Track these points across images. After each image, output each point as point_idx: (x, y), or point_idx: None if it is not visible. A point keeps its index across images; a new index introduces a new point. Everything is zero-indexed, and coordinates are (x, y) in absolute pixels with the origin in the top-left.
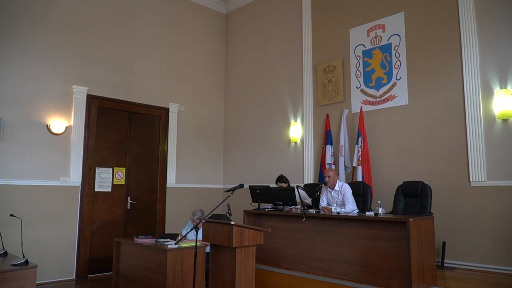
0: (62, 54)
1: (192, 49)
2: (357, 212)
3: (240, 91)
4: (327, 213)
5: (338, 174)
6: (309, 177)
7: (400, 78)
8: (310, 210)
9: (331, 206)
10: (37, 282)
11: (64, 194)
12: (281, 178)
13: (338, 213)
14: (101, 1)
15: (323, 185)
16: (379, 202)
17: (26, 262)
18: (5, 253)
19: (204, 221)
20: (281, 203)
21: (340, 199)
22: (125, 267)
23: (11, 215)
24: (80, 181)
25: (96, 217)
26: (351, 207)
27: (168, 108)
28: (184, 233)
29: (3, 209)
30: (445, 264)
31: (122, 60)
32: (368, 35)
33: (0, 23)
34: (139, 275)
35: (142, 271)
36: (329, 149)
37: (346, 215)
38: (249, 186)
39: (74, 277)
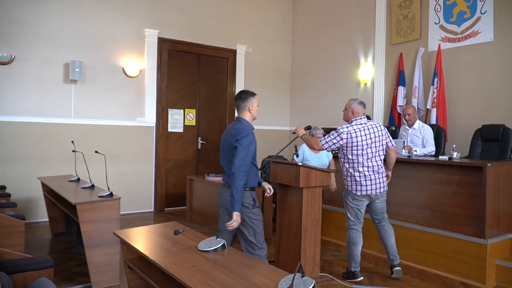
0: None
1: None
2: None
3: (307, 31)
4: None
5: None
6: (379, 120)
7: (486, 11)
8: None
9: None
10: (120, 213)
11: (141, 134)
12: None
13: (409, 156)
14: None
15: (393, 128)
16: (454, 146)
17: (111, 194)
18: (92, 186)
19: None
20: None
21: (419, 139)
22: (198, 202)
23: (96, 151)
24: (155, 121)
25: (170, 155)
26: (433, 148)
27: (236, 50)
28: (296, 158)
29: (88, 146)
30: None
31: (191, 2)
32: None
33: None
34: (211, 211)
35: (214, 207)
36: (401, 90)
37: (417, 159)
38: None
39: (153, 210)
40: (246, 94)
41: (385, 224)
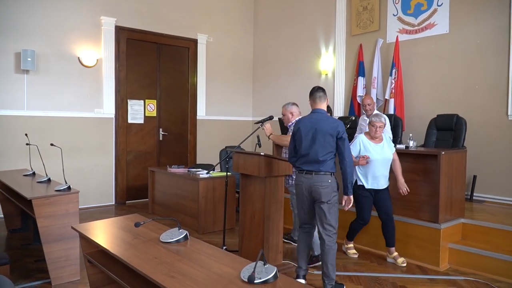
0: None
1: None
2: None
3: (269, 21)
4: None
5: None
6: (340, 110)
7: (442, 4)
8: None
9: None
10: (80, 207)
11: (100, 126)
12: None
13: None
14: None
15: (353, 118)
16: (410, 135)
17: (69, 188)
18: (49, 180)
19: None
20: None
21: None
22: (160, 194)
23: (51, 144)
24: (114, 113)
25: (130, 147)
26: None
27: (197, 40)
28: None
29: (43, 139)
30: (474, 197)
31: None
32: None
33: None
34: (174, 202)
35: (176, 198)
36: (361, 81)
37: None
38: (279, 118)
39: (114, 203)
40: (322, 88)
41: None
